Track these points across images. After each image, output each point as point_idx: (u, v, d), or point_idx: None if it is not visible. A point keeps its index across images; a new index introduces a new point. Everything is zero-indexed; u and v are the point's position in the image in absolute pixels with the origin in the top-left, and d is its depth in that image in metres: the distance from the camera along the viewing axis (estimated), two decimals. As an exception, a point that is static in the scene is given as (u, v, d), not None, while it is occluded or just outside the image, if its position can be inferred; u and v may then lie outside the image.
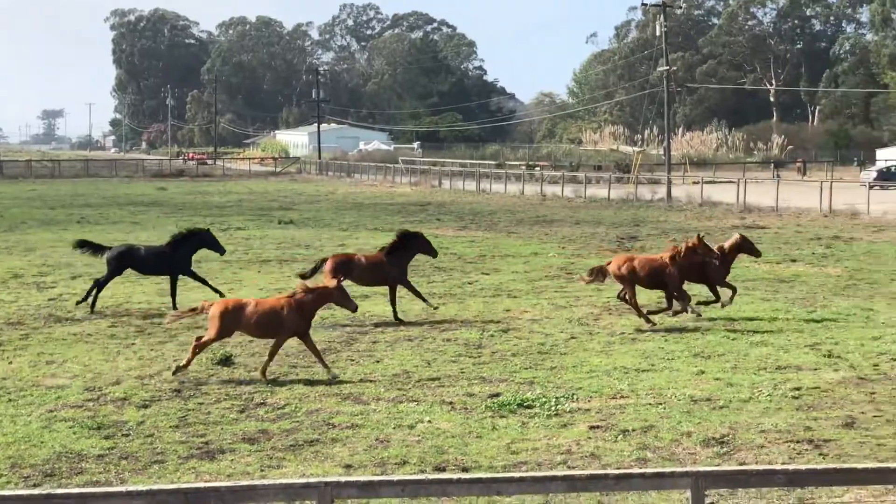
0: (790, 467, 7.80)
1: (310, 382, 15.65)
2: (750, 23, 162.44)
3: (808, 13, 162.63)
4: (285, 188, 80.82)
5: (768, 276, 27.00)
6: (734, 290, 21.11)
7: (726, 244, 21.50)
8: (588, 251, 34.08)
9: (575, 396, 14.69)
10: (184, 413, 14.05)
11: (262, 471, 11.69)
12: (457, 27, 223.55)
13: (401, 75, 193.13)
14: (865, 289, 24.99)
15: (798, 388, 15.00)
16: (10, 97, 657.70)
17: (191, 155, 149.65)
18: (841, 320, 20.52)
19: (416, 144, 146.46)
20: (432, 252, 22.35)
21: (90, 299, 22.45)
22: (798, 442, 12.51)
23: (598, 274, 20.69)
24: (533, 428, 13.22)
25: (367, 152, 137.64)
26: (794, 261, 30.79)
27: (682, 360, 17.05)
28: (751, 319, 20.54)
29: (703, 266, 20.67)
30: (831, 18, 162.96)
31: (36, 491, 8.83)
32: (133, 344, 18.75)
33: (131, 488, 7.18)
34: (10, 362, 17.28)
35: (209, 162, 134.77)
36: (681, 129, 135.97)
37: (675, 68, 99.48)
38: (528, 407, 14.11)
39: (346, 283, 17.95)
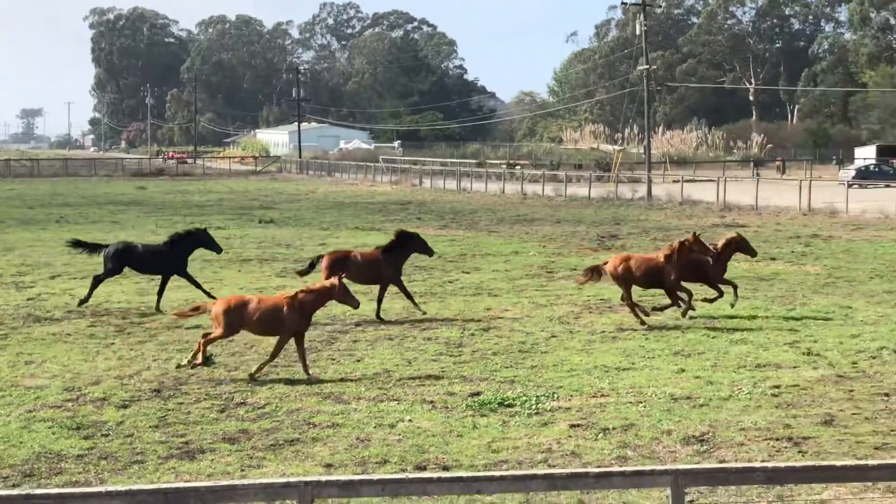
0: (769, 465, 7.83)
1: (290, 382, 15.62)
2: (729, 22, 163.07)
3: (786, 12, 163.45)
4: (266, 187, 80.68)
5: (748, 274, 27.09)
6: (735, 286, 21.21)
7: (719, 242, 21.61)
8: (569, 250, 34.13)
9: (555, 395, 14.71)
10: (163, 413, 14.00)
11: (242, 470, 11.66)
12: (437, 26, 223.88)
13: (381, 74, 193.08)
14: (844, 287, 25.11)
15: (777, 386, 15.06)
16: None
17: (171, 154, 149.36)
18: (820, 318, 20.61)
19: (396, 143, 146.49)
20: (429, 251, 22.39)
21: (90, 296, 22.52)
22: (777, 439, 12.56)
23: (594, 273, 20.69)
24: (514, 426, 13.23)
25: (347, 151, 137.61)
26: (773, 259, 30.90)
27: (662, 358, 17.09)
28: (731, 317, 20.59)
29: (701, 264, 20.75)
30: (810, 17, 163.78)
31: (15, 491, 8.78)
32: (112, 344, 18.68)
33: (111, 488, 7.15)
34: (-11, 362, 17.19)
35: (189, 161, 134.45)
36: (661, 128, 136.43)
37: (655, 67, 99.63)
38: (509, 406, 14.12)
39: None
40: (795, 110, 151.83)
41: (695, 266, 20.68)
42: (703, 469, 7.79)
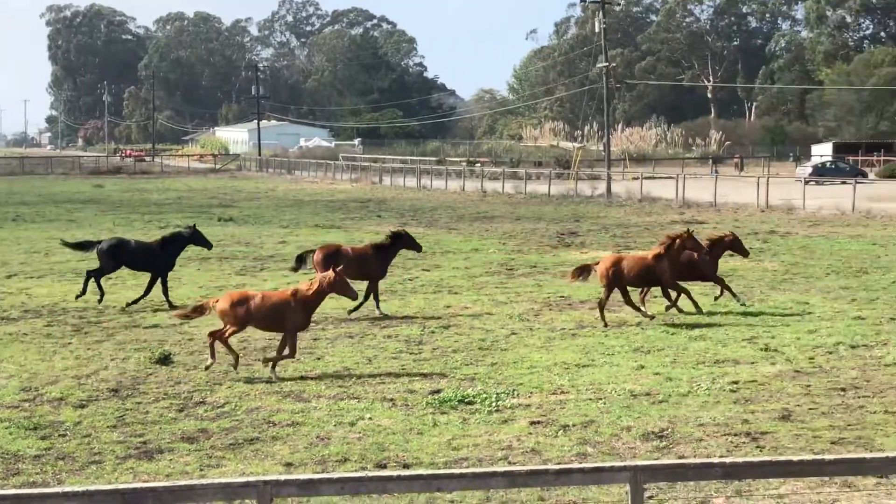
0: (727, 460, 7.87)
1: (250, 381, 15.55)
2: (687, 20, 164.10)
3: (744, 10, 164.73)
4: (225, 185, 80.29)
5: (706, 270, 27.22)
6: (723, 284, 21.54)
7: (711, 239, 21.94)
8: (528, 247, 34.20)
9: (516, 392, 14.73)
10: (121, 413, 13.90)
11: (201, 470, 11.60)
12: (397, 23, 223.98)
13: (341, 72, 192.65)
14: (801, 283, 25.32)
15: (736, 382, 15.16)
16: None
17: (128, 152, 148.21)
18: (777, 314, 20.77)
19: (356, 141, 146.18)
20: (417, 247, 22.84)
21: (93, 293, 22.60)
22: (736, 435, 12.64)
23: (584, 272, 20.65)
24: (474, 424, 13.24)
25: (307, 149, 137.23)
26: (731, 255, 31.04)
27: (622, 355, 17.16)
28: (689, 314, 20.71)
29: (695, 262, 20.87)
30: (767, 16, 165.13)
31: (-30, 493, 8.69)
32: (69, 343, 18.52)
33: (67, 489, 7.08)
34: (-56, 363, 16.99)
35: (147, 159, 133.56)
36: (620, 125, 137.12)
37: (614, 65, 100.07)
38: (469, 403, 14.12)
39: None
40: (753, 108, 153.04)
41: (690, 264, 20.82)
42: (662, 465, 7.83)
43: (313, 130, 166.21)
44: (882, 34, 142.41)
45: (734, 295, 21.30)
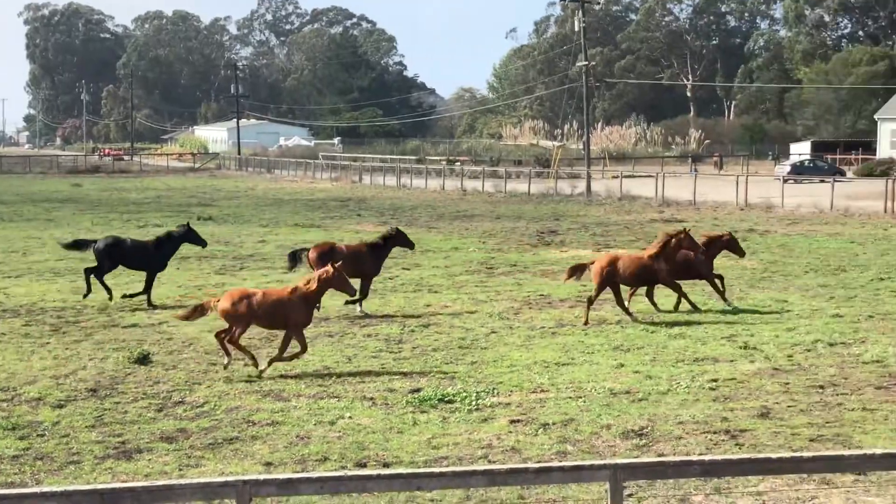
0: (707, 458, 7.90)
1: (229, 380, 15.51)
2: (667, 19, 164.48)
3: (723, 9, 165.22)
4: (204, 184, 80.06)
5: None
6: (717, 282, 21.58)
7: (705, 238, 21.98)
8: (508, 246, 34.22)
9: (495, 391, 14.74)
10: (100, 413, 13.84)
11: (180, 470, 11.56)
12: (377, 22, 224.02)
13: (321, 71, 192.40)
14: (780, 281, 25.41)
15: (715, 380, 15.20)
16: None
17: (106, 151, 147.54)
18: (756, 312, 20.84)
19: (336, 140, 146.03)
20: (410, 244, 23.08)
21: (99, 290, 22.69)
22: (715, 433, 12.67)
23: (578, 272, 20.63)
24: (454, 423, 13.24)
25: (287, 148, 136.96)
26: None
27: (601, 353, 17.19)
28: (669, 312, 20.76)
29: (691, 261, 20.90)
30: (746, 15, 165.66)
31: (-53, 494, 8.63)
32: (48, 343, 18.43)
33: (46, 489, 7.05)
34: (-79, 363, 16.88)
35: (126, 158, 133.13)
36: (600, 124, 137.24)
37: (593, 63, 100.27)
38: (449, 402, 14.12)
39: None
40: (732, 106, 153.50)
41: (685, 263, 20.85)
42: (642, 463, 7.84)
43: (293, 129, 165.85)
44: (860, 33, 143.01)
45: (724, 298, 21.29)
